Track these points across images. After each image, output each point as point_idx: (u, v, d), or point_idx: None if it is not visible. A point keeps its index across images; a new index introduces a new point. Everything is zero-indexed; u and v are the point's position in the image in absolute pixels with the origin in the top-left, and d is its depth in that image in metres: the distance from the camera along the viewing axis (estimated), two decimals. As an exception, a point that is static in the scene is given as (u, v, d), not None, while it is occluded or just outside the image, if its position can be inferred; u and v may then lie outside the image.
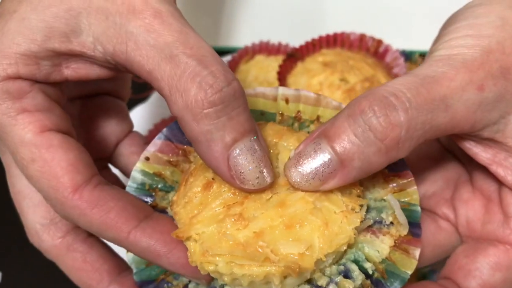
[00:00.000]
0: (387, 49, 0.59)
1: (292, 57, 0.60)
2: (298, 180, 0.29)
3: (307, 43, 0.61)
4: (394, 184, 0.32)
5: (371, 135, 0.28)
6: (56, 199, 0.30)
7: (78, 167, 0.30)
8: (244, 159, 0.28)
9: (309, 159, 0.29)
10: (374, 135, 0.28)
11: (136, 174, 0.33)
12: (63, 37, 0.29)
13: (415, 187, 0.32)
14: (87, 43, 0.29)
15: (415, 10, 0.68)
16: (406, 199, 0.32)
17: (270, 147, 0.31)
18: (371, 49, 0.60)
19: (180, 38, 0.28)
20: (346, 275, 0.30)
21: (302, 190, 0.29)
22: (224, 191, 0.30)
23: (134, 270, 0.33)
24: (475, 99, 0.29)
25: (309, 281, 0.30)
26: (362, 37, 0.60)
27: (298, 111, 0.33)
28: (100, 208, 0.30)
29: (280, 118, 0.33)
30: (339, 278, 0.30)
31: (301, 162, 0.29)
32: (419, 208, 0.32)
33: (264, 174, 0.29)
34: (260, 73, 0.64)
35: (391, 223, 0.31)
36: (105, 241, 0.34)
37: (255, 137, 0.29)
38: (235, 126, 0.28)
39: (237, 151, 0.28)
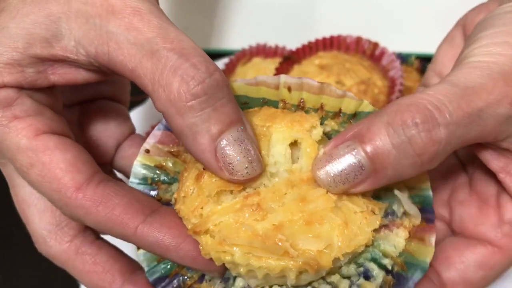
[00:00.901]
0: (383, 52, 0.60)
1: (289, 59, 0.60)
2: (327, 181, 0.28)
3: (304, 46, 0.61)
4: None
5: (410, 148, 0.28)
6: (60, 200, 0.30)
7: (77, 166, 0.30)
8: (231, 150, 0.28)
9: (341, 161, 0.28)
10: (413, 149, 0.28)
11: (137, 169, 0.32)
12: (45, 42, 0.29)
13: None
14: (69, 47, 0.29)
15: (411, 13, 0.68)
16: (416, 185, 0.32)
17: (262, 132, 0.30)
18: (367, 52, 0.60)
19: (160, 34, 0.28)
20: (366, 275, 0.30)
21: (328, 191, 0.29)
22: (214, 181, 0.29)
23: (146, 268, 0.32)
24: (506, 113, 0.29)
25: (327, 283, 0.30)
26: (358, 40, 0.61)
27: (301, 99, 0.32)
28: (105, 205, 0.29)
29: (282, 105, 0.33)
30: (360, 281, 0.30)
31: (331, 163, 0.28)
32: (430, 193, 0.32)
33: (253, 164, 0.28)
34: (257, 76, 0.65)
35: (404, 213, 0.31)
36: (113, 243, 0.34)
37: (242, 128, 0.29)
38: (220, 117, 0.28)
39: (224, 142, 0.28)
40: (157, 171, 0.32)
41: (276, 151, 0.30)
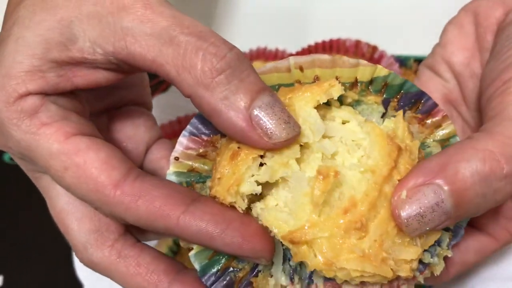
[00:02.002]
0: (382, 55, 0.61)
1: None
2: (412, 224, 0.29)
3: (304, 49, 0.62)
4: (429, 121, 0.33)
5: (493, 197, 0.29)
6: (99, 200, 0.30)
7: (112, 163, 0.30)
8: (266, 115, 0.28)
9: (426, 205, 0.28)
10: (495, 199, 0.29)
11: (170, 177, 0.32)
12: (61, 46, 0.30)
13: (450, 121, 0.33)
14: (85, 48, 0.30)
15: (410, 16, 0.69)
16: (444, 133, 0.33)
17: (285, 104, 0.30)
18: (367, 55, 0.61)
19: (175, 22, 0.29)
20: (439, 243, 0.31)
21: (409, 233, 0.29)
22: (253, 157, 0.29)
23: (198, 268, 0.32)
24: None
25: None
26: (357, 43, 0.62)
27: (315, 76, 0.32)
28: (144, 199, 0.29)
29: (298, 86, 0.33)
30: (436, 248, 0.31)
31: (415, 207, 0.28)
32: (458, 138, 0.33)
33: (290, 123, 0.29)
34: (265, 64, 0.65)
35: None
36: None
37: (270, 93, 0.29)
38: (248, 86, 0.29)
39: (257, 109, 0.28)
40: (190, 174, 0.32)
41: (305, 114, 0.30)
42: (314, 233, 0.28)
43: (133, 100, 0.39)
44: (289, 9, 0.72)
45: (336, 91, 0.31)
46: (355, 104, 0.33)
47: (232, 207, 0.30)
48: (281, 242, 0.30)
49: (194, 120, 0.33)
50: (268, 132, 0.29)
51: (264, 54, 0.67)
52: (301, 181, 0.29)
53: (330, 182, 0.28)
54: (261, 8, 0.73)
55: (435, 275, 0.31)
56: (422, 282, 0.31)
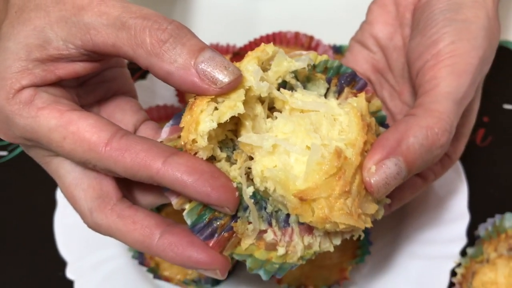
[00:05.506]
0: (318, 44, 0.67)
1: (238, 55, 0.67)
2: (379, 189, 0.35)
3: (251, 43, 0.67)
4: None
5: (433, 159, 0.38)
6: (94, 158, 0.34)
7: (100, 127, 0.34)
8: (209, 66, 0.33)
9: (390, 176, 0.35)
10: (434, 160, 0.38)
11: None
12: (39, 47, 0.35)
13: (376, 98, 0.39)
14: (59, 46, 0.35)
15: (340, 11, 0.75)
16: (373, 109, 0.39)
17: None
18: (305, 44, 0.68)
19: (124, 10, 0.34)
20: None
21: (375, 195, 0.35)
22: (207, 101, 0.33)
23: (189, 224, 0.35)
24: None
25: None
26: (296, 34, 0.68)
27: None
28: (130, 152, 0.34)
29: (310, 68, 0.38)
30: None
31: (381, 176, 0.35)
32: (383, 113, 0.40)
33: (230, 68, 0.33)
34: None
35: None
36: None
37: (210, 49, 0.34)
38: (190, 47, 0.33)
39: (201, 63, 0.33)
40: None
41: (246, 67, 0.35)
42: (318, 194, 0.33)
43: (118, 90, 0.43)
44: (237, 9, 0.77)
45: (269, 47, 0.36)
46: (306, 80, 0.38)
47: (205, 161, 0.34)
48: (253, 194, 0.35)
49: (176, 115, 0.37)
50: (213, 79, 0.33)
51: (216, 49, 0.71)
52: (317, 153, 0.33)
53: (341, 161, 0.33)
54: (212, 9, 0.77)
55: (377, 219, 0.37)
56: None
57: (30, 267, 0.57)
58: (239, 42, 0.71)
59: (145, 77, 0.68)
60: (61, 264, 0.56)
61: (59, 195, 0.59)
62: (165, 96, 0.67)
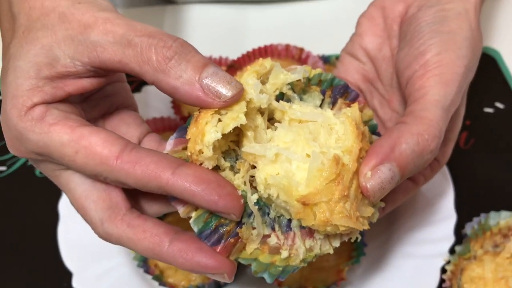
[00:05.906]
0: (308, 55, 0.69)
1: (232, 67, 0.69)
2: (375, 193, 0.36)
3: (244, 55, 0.69)
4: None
5: (424, 163, 0.39)
6: (106, 170, 0.35)
7: (111, 141, 0.36)
8: (213, 81, 0.34)
9: (384, 181, 0.36)
10: (425, 164, 0.39)
11: None
12: (48, 65, 0.36)
13: (368, 108, 0.40)
14: (67, 63, 0.36)
15: (329, 23, 0.77)
16: (366, 118, 0.40)
17: None
18: (296, 56, 0.70)
19: (129, 28, 0.35)
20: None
21: (371, 199, 0.36)
22: (211, 114, 0.35)
23: (196, 230, 0.36)
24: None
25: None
26: (287, 47, 0.69)
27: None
28: (140, 164, 0.35)
29: (303, 81, 0.39)
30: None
31: (376, 182, 0.36)
32: (375, 122, 0.41)
33: (233, 83, 0.35)
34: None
35: None
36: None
37: (213, 65, 0.35)
38: (194, 64, 0.34)
39: (206, 79, 0.34)
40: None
41: (246, 81, 0.37)
42: (319, 198, 0.34)
43: (121, 104, 0.44)
44: (228, 23, 0.79)
45: (267, 62, 0.38)
46: (302, 92, 0.39)
47: (211, 171, 0.35)
48: (257, 201, 0.36)
49: (180, 128, 0.38)
50: (218, 93, 0.34)
51: (210, 62, 0.75)
52: (317, 160, 0.35)
53: (340, 168, 0.35)
54: (201, 22, 0.79)
55: (372, 222, 0.38)
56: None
57: (36, 279, 0.57)
58: (232, 54, 0.72)
59: (140, 90, 0.69)
60: (67, 275, 0.56)
61: (61, 207, 0.60)
62: (160, 108, 0.68)
